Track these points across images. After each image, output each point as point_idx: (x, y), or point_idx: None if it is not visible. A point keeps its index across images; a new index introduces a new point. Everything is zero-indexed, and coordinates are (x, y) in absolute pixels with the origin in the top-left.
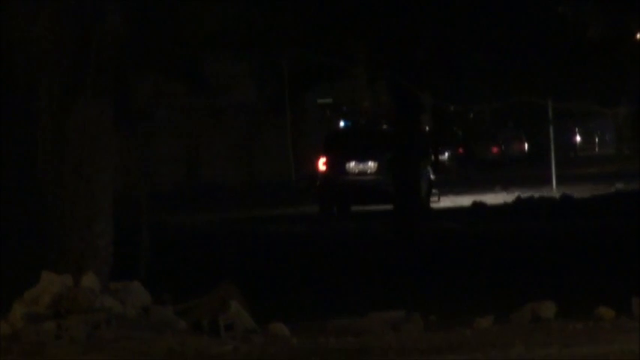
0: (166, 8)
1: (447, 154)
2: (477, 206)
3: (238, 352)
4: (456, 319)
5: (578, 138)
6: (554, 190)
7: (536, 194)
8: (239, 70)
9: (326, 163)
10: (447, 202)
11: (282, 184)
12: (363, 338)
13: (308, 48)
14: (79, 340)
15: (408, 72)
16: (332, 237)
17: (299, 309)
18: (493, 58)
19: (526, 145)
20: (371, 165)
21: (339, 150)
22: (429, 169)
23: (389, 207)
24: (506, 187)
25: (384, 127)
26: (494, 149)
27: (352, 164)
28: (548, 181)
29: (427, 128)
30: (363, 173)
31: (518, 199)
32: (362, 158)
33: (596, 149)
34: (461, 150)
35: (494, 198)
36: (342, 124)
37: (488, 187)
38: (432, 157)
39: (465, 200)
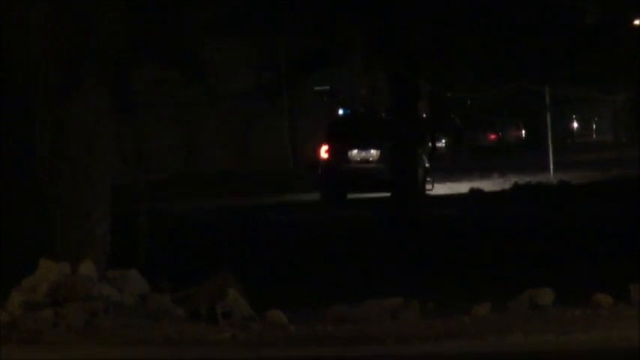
0: None
1: (443, 142)
2: (475, 193)
3: (236, 340)
4: (454, 307)
5: (575, 124)
6: (551, 177)
7: (534, 181)
8: (237, 58)
9: (328, 151)
10: (444, 189)
11: (279, 171)
12: (361, 326)
13: (306, 35)
14: (76, 328)
15: (405, 59)
16: (330, 224)
17: (296, 297)
18: (490, 45)
19: (523, 132)
20: (373, 153)
21: (342, 138)
22: (424, 157)
23: (386, 194)
24: (503, 173)
25: (383, 115)
26: (492, 136)
27: (355, 152)
28: (546, 168)
29: (424, 115)
30: (365, 161)
31: (516, 186)
32: (364, 146)
33: (594, 136)
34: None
35: (491, 185)
36: (340, 111)
37: (486, 173)
38: (429, 145)
39: (463, 187)
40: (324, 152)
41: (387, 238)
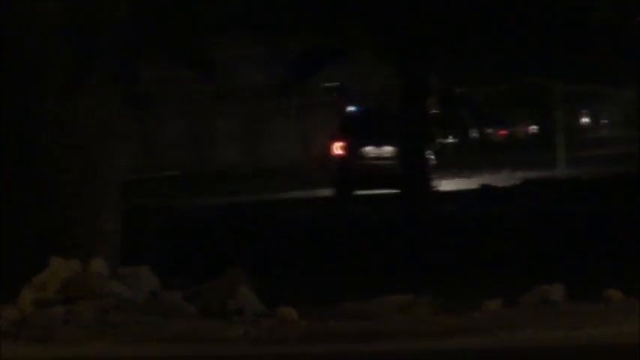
0: None
1: (452, 138)
2: (485, 189)
3: (248, 336)
4: (465, 302)
5: (586, 120)
6: (562, 173)
7: (545, 176)
8: (247, 55)
9: (343, 147)
10: (454, 185)
11: (290, 167)
12: (372, 322)
13: (316, 31)
14: (87, 325)
15: (415, 55)
16: (341, 221)
17: (307, 293)
18: (500, 41)
19: (534, 128)
20: (388, 149)
21: (356, 134)
22: (432, 153)
23: (396, 191)
24: (513, 169)
25: (394, 111)
26: (502, 132)
27: (369, 148)
28: (557, 164)
29: (434, 111)
30: (379, 158)
31: (526, 182)
32: (379, 143)
33: (604, 131)
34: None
35: (501, 180)
36: (351, 108)
37: (496, 169)
38: (439, 141)
39: (473, 183)
40: (338, 148)
41: (398, 234)
